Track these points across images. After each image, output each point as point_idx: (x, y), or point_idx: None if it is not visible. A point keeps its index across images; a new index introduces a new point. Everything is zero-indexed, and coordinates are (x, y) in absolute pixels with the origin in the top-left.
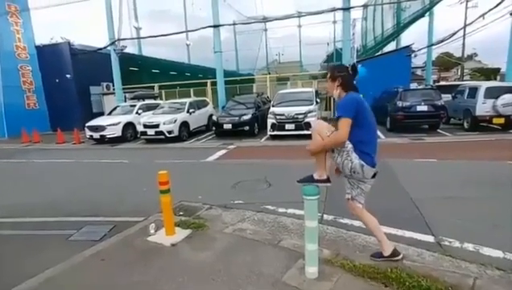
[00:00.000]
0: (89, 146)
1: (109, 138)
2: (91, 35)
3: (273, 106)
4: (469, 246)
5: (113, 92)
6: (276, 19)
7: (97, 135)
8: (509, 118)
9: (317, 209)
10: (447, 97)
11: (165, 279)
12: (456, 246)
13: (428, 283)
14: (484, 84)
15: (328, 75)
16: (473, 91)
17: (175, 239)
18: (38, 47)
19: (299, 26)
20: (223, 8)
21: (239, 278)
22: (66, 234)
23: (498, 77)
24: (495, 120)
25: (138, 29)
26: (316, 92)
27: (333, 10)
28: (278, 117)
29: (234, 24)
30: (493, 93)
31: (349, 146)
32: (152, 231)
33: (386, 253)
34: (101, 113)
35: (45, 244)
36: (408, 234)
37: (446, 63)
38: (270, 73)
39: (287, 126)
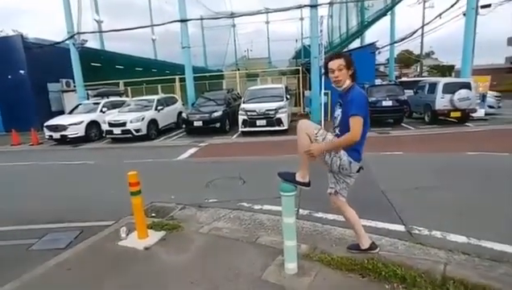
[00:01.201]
0: (49, 147)
1: (72, 138)
2: (51, 28)
3: (244, 103)
4: (437, 234)
5: (73, 89)
6: (244, 15)
7: (57, 135)
8: (464, 112)
9: (294, 205)
10: (409, 92)
11: (139, 285)
12: (425, 234)
13: (403, 272)
14: (442, 80)
15: (343, 62)
16: (433, 86)
17: (149, 242)
18: None
19: (267, 22)
20: (190, 2)
21: (218, 278)
22: (26, 243)
23: (453, 74)
24: (452, 114)
25: (99, 22)
26: (286, 88)
27: (300, 6)
28: (249, 113)
29: (202, 19)
30: (450, 89)
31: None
32: (123, 235)
33: (364, 246)
34: (61, 112)
35: (1, 256)
36: (381, 225)
37: (407, 60)
38: (239, 69)
39: (259, 123)
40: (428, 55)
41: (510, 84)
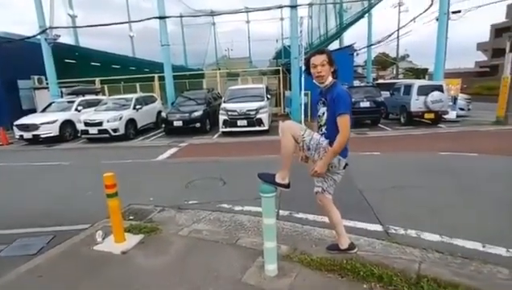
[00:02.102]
0: (20, 147)
1: (44, 137)
2: (22, 23)
3: (224, 102)
4: (412, 233)
5: (46, 86)
6: (224, 13)
7: (28, 135)
8: (437, 114)
9: (274, 206)
10: (385, 93)
11: None
12: (401, 233)
13: (380, 271)
14: (416, 83)
15: (326, 58)
16: (408, 89)
17: (126, 246)
18: None
19: (248, 21)
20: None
21: (197, 282)
22: None
23: (427, 76)
24: (426, 115)
25: (73, 17)
26: (267, 88)
27: (280, 7)
28: (229, 113)
29: (181, 16)
30: (424, 91)
31: (324, 142)
32: (99, 239)
33: (343, 247)
34: (33, 110)
35: None
36: (359, 224)
37: (383, 62)
38: (220, 69)
39: (239, 123)
40: (404, 58)
41: (479, 88)
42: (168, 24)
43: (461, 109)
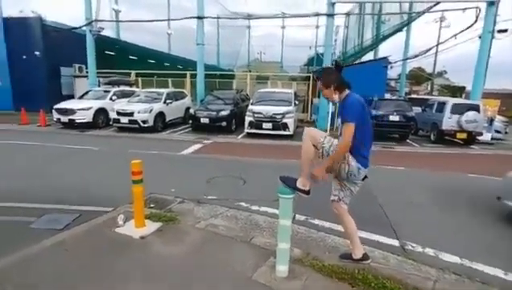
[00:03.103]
0: (56, 129)
1: (79, 122)
2: (65, 11)
3: (252, 104)
4: (430, 251)
5: (85, 75)
6: (260, 17)
7: (65, 119)
8: (471, 134)
9: (291, 208)
10: (417, 109)
11: (133, 272)
12: (418, 250)
13: (392, 285)
14: (451, 101)
15: (321, 84)
16: (441, 106)
17: (145, 232)
18: (5, 19)
19: (283, 27)
20: (208, 0)
21: (209, 273)
22: (26, 221)
23: (464, 95)
24: (458, 135)
25: (117, 12)
26: (295, 93)
27: (317, 14)
28: (256, 115)
29: (218, 18)
30: (458, 110)
31: None
32: (121, 222)
33: (356, 257)
34: (72, 96)
35: (1, 231)
36: (375, 237)
37: (418, 77)
38: (250, 71)
39: (265, 125)
40: (440, 74)
41: None
42: (205, 24)
43: (497, 131)
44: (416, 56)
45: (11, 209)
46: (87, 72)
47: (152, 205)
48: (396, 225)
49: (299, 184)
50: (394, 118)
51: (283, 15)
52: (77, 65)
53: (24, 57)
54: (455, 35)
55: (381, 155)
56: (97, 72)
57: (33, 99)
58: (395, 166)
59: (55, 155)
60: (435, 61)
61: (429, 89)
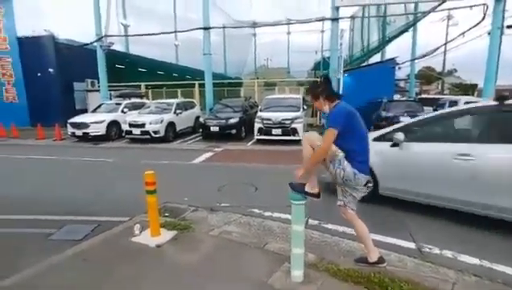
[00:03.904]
0: (71, 143)
1: (93, 135)
2: (75, 28)
3: (260, 111)
4: (448, 253)
5: (97, 89)
6: (266, 25)
7: (79, 132)
8: None
9: (304, 213)
10: (428, 109)
11: (150, 280)
12: (435, 252)
13: (409, 287)
14: (462, 99)
15: (311, 96)
16: (453, 105)
17: (161, 240)
18: (20, 39)
19: (288, 33)
20: (212, 10)
21: (224, 280)
22: (46, 232)
23: (476, 93)
24: None
25: (125, 26)
26: (303, 99)
27: (322, 19)
28: (265, 121)
29: (224, 27)
30: None
31: (341, 154)
32: (137, 232)
33: (372, 260)
34: (85, 110)
35: (24, 243)
36: (390, 240)
37: (428, 76)
38: (258, 78)
39: (274, 131)
40: (451, 72)
41: None
42: (211, 34)
43: None
44: (424, 56)
45: (33, 221)
46: (99, 86)
47: (166, 214)
48: (411, 227)
49: (307, 189)
50: (405, 119)
51: (288, 22)
52: (89, 80)
53: (39, 74)
54: (463, 33)
55: None
56: (109, 86)
57: (48, 114)
58: None
59: (71, 168)
60: (444, 60)
61: (440, 88)
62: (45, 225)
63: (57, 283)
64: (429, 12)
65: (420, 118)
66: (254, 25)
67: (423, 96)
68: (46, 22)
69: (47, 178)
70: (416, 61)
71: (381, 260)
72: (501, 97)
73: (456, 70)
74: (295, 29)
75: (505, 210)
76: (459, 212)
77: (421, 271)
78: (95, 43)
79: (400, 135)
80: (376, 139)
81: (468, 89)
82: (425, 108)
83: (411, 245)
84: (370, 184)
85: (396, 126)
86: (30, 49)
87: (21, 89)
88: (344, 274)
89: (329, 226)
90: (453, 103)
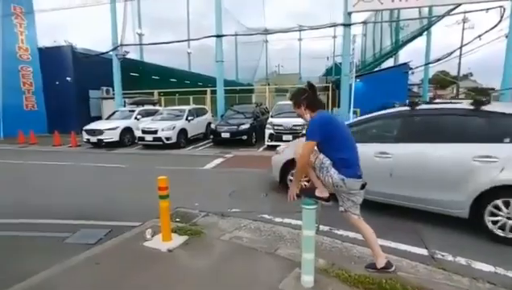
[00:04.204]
0: (86, 149)
1: (107, 142)
2: (90, 37)
3: (271, 117)
4: (461, 260)
5: (112, 96)
6: (277, 32)
7: (94, 139)
8: None
9: (314, 218)
10: None
11: (161, 284)
12: (448, 259)
13: None
14: None
15: (292, 103)
16: None
17: (172, 245)
18: (40, 49)
19: (300, 39)
20: (225, 18)
21: (236, 284)
22: (61, 236)
23: (493, 97)
24: None
25: (140, 35)
26: None
27: (334, 25)
28: (276, 127)
29: (236, 35)
30: None
31: (327, 162)
32: (149, 236)
33: (379, 265)
34: (99, 117)
35: (41, 246)
36: (403, 246)
37: (442, 81)
38: (269, 84)
39: (285, 137)
40: (466, 76)
41: None
42: (223, 41)
43: None
44: (438, 60)
45: (50, 225)
46: (113, 93)
47: (178, 219)
48: (423, 233)
49: (317, 193)
50: None
51: (300, 28)
52: (104, 88)
53: (57, 83)
54: (479, 36)
55: None
56: (123, 93)
57: (65, 122)
58: None
59: (86, 174)
60: (459, 64)
61: (454, 92)
62: (61, 229)
63: (72, 285)
64: (444, 16)
65: (352, 121)
66: (266, 32)
67: (437, 100)
68: (65, 32)
69: (63, 183)
70: (430, 65)
71: (388, 265)
72: (412, 102)
73: (471, 74)
74: (307, 35)
75: (423, 201)
76: (470, 219)
77: (434, 278)
78: (111, 52)
79: None
80: None
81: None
82: None
83: (423, 251)
84: (366, 184)
85: None
86: (50, 59)
87: (40, 97)
88: (354, 280)
89: (340, 232)
90: None
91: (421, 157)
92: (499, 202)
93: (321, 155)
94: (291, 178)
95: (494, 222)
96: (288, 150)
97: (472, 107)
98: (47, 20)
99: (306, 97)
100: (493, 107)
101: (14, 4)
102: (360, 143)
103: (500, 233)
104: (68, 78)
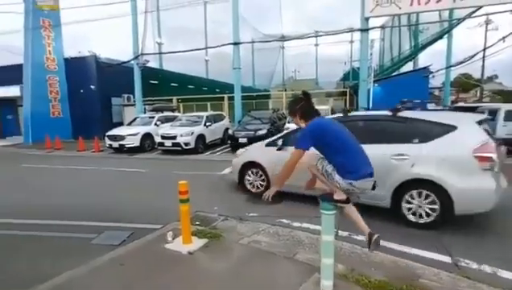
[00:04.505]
0: (108, 154)
1: (128, 147)
2: (111, 47)
3: (288, 122)
4: (487, 268)
5: (133, 103)
6: (294, 38)
7: (116, 144)
8: None
9: (334, 223)
10: None
11: (183, 286)
12: (473, 267)
13: None
14: (503, 107)
15: (289, 112)
16: (493, 113)
17: (192, 248)
18: (66, 60)
19: (316, 44)
20: (241, 25)
21: (255, 288)
22: (88, 237)
23: None
24: None
25: (160, 44)
26: (332, 109)
27: (351, 30)
28: None
29: (253, 42)
30: None
31: (330, 169)
32: (170, 239)
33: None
34: (121, 124)
35: (70, 246)
36: (424, 253)
37: (465, 84)
38: (286, 90)
39: None
40: (491, 78)
41: None
42: (240, 48)
43: None
44: (460, 63)
45: (76, 226)
46: (134, 100)
47: (197, 223)
48: (446, 239)
49: (336, 197)
50: None
51: (316, 34)
52: (126, 95)
53: (81, 91)
54: (503, 38)
55: None
56: (143, 100)
57: (88, 128)
58: None
59: (108, 178)
60: (482, 66)
61: (478, 95)
62: (87, 230)
63: (97, 285)
64: (465, 18)
65: (290, 130)
66: (283, 38)
67: (460, 104)
68: (87, 42)
69: (87, 187)
70: (452, 68)
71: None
72: (344, 110)
73: (496, 76)
74: (324, 40)
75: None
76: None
77: (458, 287)
78: (132, 61)
79: (279, 141)
80: (267, 145)
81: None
82: None
83: (447, 259)
84: (377, 186)
85: (278, 135)
86: (75, 68)
87: (65, 104)
88: (374, 286)
89: (359, 238)
90: (493, 111)
91: None
92: (413, 193)
93: (325, 162)
94: (249, 178)
95: (409, 209)
96: (246, 153)
97: (390, 113)
98: (71, 31)
99: (301, 106)
100: (405, 113)
101: (43, 17)
102: None
103: (412, 218)
104: (92, 86)
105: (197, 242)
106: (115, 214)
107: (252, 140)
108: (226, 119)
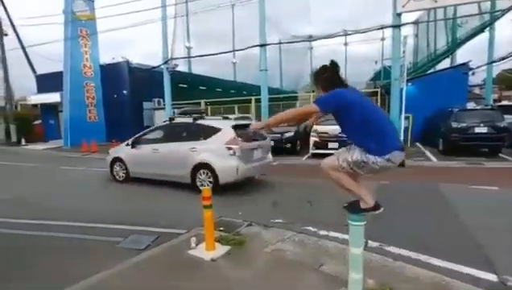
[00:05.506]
0: None
1: None
2: (141, 51)
3: (316, 124)
4: None
5: (163, 107)
6: (321, 38)
7: None
8: None
9: (362, 235)
10: (509, 117)
11: None
12: None
13: None
14: None
15: (314, 81)
16: None
17: (215, 254)
18: (101, 66)
19: (346, 44)
20: (268, 27)
21: None
22: (115, 240)
23: None
24: None
25: (189, 48)
26: None
27: (382, 27)
28: (321, 135)
29: (280, 43)
30: None
31: (359, 156)
32: (193, 245)
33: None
34: None
35: (97, 248)
36: (466, 269)
37: (509, 80)
38: (313, 91)
39: (330, 145)
40: None
41: None
42: (267, 50)
43: None
44: (503, 59)
45: (105, 229)
46: (164, 104)
47: (221, 228)
48: (490, 254)
49: (363, 206)
50: (481, 129)
51: (345, 33)
52: (156, 99)
53: (115, 96)
54: None
55: (467, 172)
56: (172, 104)
57: (121, 131)
58: (486, 185)
59: (135, 182)
60: None
61: None
62: (114, 233)
63: (121, 288)
64: (509, 10)
65: (142, 132)
66: (310, 39)
67: (504, 103)
68: (118, 47)
69: (117, 190)
70: (494, 64)
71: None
72: (170, 118)
73: None
74: (353, 39)
75: (172, 176)
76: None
77: None
78: (162, 66)
79: (130, 141)
80: (126, 145)
81: None
82: (506, 116)
83: (492, 276)
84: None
85: (133, 137)
86: (110, 74)
87: (100, 109)
88: None
89: (391, 249)
90: None
91: (170, 150)
92: (201, 171)
93: (343, 153)
94: (117, 169)
95: (200, 182)
96: (113, 151)
97: (192, 121)
98: (105, 38)
99: (326, 76)
100: (200, 121)
101: (81, 27)
102: (145, 145)
103: (201, 187)
104: (125, 91)
105: (220, 249)
106: (141, 218)
107: (279, 143)
108: (253, 121)
